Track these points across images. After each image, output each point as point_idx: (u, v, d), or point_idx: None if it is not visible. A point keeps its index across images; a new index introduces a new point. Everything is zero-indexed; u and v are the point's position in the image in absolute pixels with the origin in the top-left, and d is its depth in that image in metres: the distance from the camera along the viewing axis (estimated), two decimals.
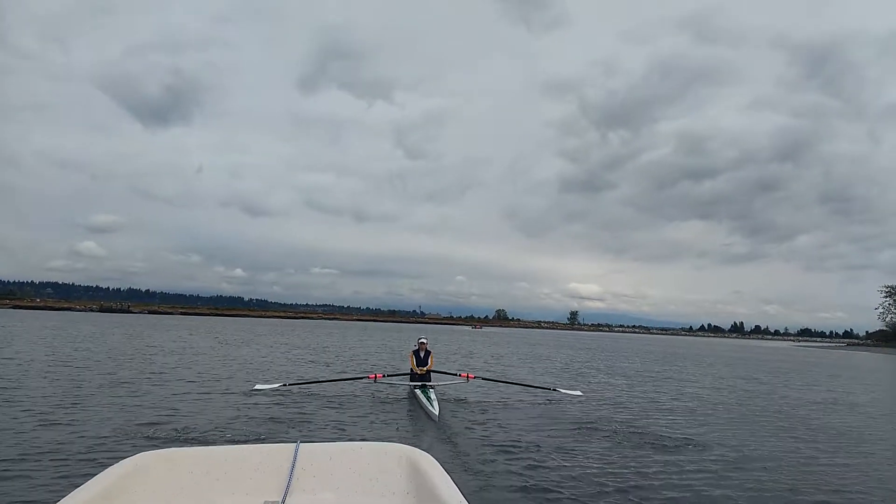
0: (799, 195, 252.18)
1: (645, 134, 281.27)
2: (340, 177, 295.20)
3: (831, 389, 16.60)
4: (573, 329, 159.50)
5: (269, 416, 7.63)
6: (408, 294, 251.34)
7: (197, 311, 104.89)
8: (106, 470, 1.90)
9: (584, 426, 7.97)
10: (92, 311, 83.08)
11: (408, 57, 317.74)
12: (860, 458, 7.07)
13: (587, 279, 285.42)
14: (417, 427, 7.63)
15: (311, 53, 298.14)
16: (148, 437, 6.17)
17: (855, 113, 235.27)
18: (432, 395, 8.83)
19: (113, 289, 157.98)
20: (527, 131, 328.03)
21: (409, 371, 10.49)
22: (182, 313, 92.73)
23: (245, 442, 5.90)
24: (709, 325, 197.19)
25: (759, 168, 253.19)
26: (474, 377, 10.57)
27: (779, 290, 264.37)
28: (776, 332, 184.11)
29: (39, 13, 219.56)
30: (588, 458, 6.22)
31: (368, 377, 10.41)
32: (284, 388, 10.11)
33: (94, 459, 5.14)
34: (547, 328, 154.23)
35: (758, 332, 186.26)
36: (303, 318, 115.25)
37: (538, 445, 6.68)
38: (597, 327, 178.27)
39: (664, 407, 10.55)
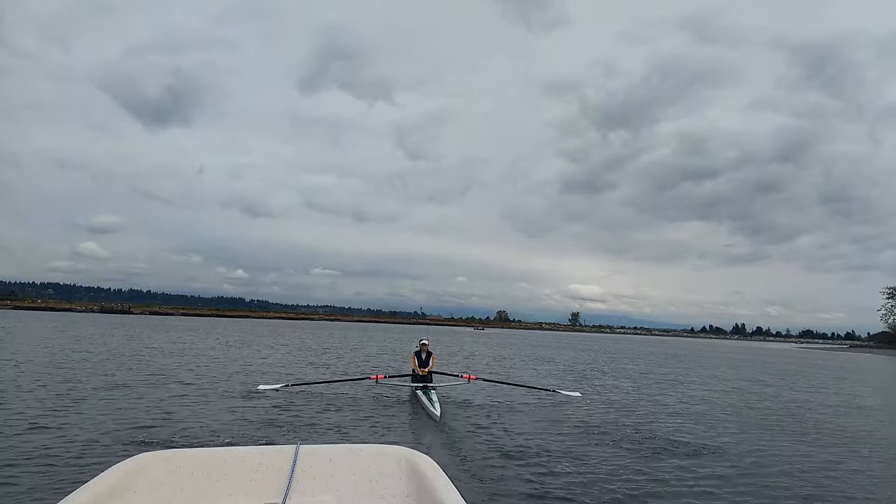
0: (799, 196, 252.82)
1: (645, 134, 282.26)
2: (341, 177, 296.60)
3: (839, 392, 16.36)
4: (574, 330, 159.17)
5: (269, 418, 7.54)
6: (409, 295, 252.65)
7: (198, 311, 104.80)
8: (106, 471, 1.90)
9: (589, 430, 7.79)
10: (93, 311, 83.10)
11: (408, 57, 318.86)
12: (877, 464, 6.85)
13: (588, 280, 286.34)
14: (418, 429, 7.52)
15: (312, 54, 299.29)
16: (147, 438, 6.07)
17: (855, 113, 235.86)
18: (434, 397, 8.76)
19: (114, 290, 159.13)
20: (527, 132, 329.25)
21: (410, 372, 10.43)
22: (183, 314, 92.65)
23: (245, 443, 5.79)
24: (710, 326, 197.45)
25: (760, 169, 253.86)
26: (476, 378, 10.56)
27: (780, 291, 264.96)
28: (778, 334, 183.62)
29: (39, 13, 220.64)
30: (596, 463, 6.02)
31: (370, 378, 10.39)
32: (287, 388, 10.13)
33: (93, 461, 5.06)
34: (548, 329, 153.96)
35: (760, 333, 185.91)
36: (304, 319, 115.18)
37: (542, 448, 6.51)
38: (598, 329, 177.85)
39: (672, 410, 10.35)
